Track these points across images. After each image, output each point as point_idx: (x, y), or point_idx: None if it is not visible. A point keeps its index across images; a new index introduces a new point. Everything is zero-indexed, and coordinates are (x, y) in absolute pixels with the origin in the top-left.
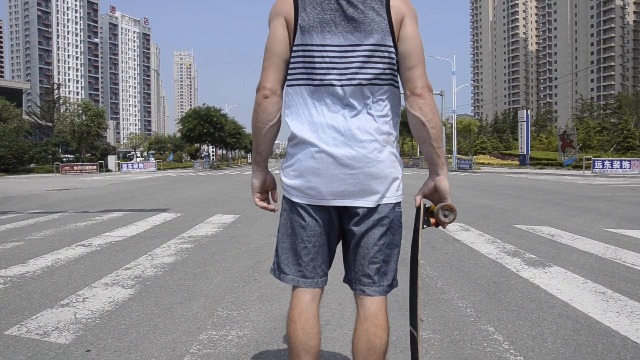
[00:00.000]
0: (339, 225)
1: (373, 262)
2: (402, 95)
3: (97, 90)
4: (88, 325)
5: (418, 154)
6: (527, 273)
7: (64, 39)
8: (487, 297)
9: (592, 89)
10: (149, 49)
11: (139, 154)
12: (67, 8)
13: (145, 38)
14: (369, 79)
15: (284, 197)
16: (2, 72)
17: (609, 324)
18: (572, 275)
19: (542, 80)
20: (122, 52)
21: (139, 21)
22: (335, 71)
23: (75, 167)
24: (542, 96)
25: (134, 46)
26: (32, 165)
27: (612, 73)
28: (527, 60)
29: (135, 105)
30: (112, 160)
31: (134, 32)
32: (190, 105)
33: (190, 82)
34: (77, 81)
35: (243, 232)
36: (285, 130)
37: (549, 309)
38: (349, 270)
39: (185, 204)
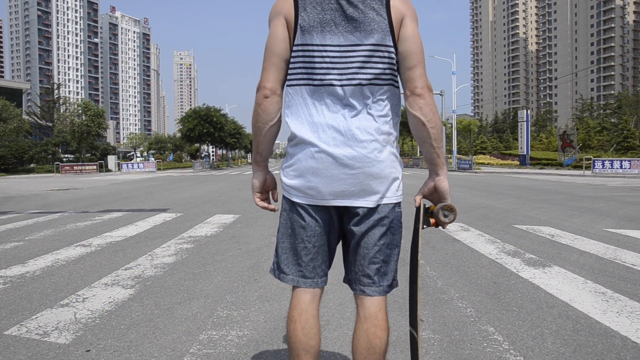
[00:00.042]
0: (339, 225)
1: (373, 262)
2: (402, 95)
3: (97, 90)
4: (88, 325)
5: (418, 154)
6: (527, 273)
7: (64, 39)
8: (487, 297)
9: (592, 89)
10: (149, 49)
11: (139, 154)
12: (67, 8)
13: (145, 38)
14: (369, 79)
15: (284, 197)
16: (2, 72)
17: (609, 324)
18: (572, 276)
19: (542, 80)
20: (122, 52)
21: (139, 21)
22: (336, 71)
23: (75, 167)
24: (542, 96)
25: (134, 46)
26: (32, 165)
27: (612, 73)
28: (527, 60)
29: (135, 105)
30: (112, 160)
31: (134, 32)
32: (190, 105)
33: (190, 82)
34: (77, 81)
35: (243, 232)
36: (285, 130)
37: (549, 309)
38: (349, 270)
39: (185, 204)
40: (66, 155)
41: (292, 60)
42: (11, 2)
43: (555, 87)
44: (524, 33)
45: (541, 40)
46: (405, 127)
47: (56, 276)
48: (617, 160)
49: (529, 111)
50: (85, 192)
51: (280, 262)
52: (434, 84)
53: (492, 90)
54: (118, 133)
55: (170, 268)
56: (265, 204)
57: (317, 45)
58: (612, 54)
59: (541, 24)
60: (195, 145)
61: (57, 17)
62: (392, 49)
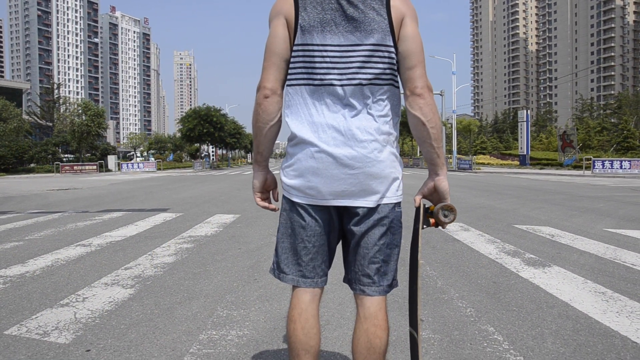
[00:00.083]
0: (339, 225)
1: (373, 262)
2: (402, 95)
3: (97, 90)
4: (88, 325)
5: (418, 154)
6: (527, 273)
7: (64, 39)
8: (487, 297)
9: (592, 89)
10: (149, 48)
11: (139, 154)
12: (67, 8)
13: (145, 38)
14: (369, 79)
15: (284, 197)
16: (2, 72)
17: (608, 324)
18: (572, 275)
19: (542, 80)
20: (122, 52)
21: (139, 21)
22: (336, 71)
23: (75, 167)
24: (542, 96)
25: (134, 46)
26: (32, 165)
27: (612, 73)
28: (527, 60)
29: (135, 105)
30: (112, 160)
31: (134, 32)
32: (190, 105)
33: (190, 82)
34: (77, 81)
35: (243, 232)
36: (285, 130)
37: (548, 309)
38: (349, 270)
39: (185, 204)
40: (66, 155)
41: (292, 60)
42: (11, 2)
43: (555, 87)
44: (524, 33)
45: (541, 40)
46: (405, 127)
47: (56, 276)
48: (617, 161)
49: (529, 111)
50: (85, 192)
51: (280, 262)
52: (434, 84)
53: (492, 90)
54: (118, 133)
55: (170, 268)
56: (266, 204)
57: (317, 45)
58: (612, 54)
59: (541, 24)
60: (195, 145)
61: (57, 17)
62: (392, 49)
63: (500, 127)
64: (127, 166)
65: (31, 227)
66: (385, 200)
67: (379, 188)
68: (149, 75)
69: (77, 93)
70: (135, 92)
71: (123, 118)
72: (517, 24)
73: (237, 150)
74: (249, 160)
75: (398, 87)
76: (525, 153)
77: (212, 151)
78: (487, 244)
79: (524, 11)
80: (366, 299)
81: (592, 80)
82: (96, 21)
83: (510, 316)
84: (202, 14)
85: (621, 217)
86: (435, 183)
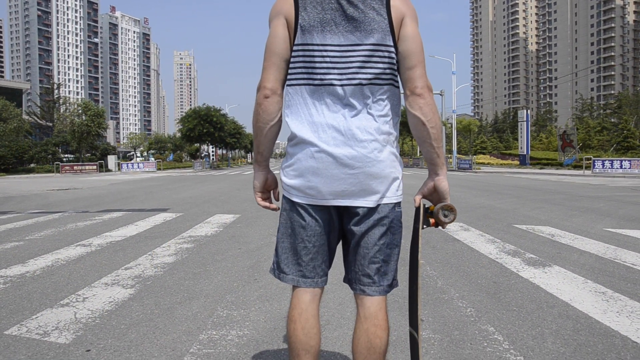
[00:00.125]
0: (339, 225)
1: (373, 262)
2: (402, 95)
3: (97, 90)
4: (88, 325)
5: (418, 154)
6: (527, 273)
7: (64, 39)
8: (487, 297)
9: (592, 89)
10: (149, 48)
11: (139, 154)
12: (67, 8)
13: (145, 38)
14: (369, 79)
15: (284, 197)
16: (2, 72)
17: (609, 324)
18: (572, 275)
19: (542, 80)
20: (122, 52)
21: (139, 21)
22: (336, 71)
23: (75, 167)
24: (542, 96)
25: (134, 46)
26: (32, 165)
27: (612, 73)
28: (527, 60)
29: (135, 105)
30: (112, 160)
31: (134, 32)
32: (190, 105)
33: (190, 82)
34: (77, 81)
35: (243, 232)
36: (285, 130)
37: (549, 309)
38: (349, 270)
39: (185, 204)
40: (66, 155)
41: (292, 60)
42: (11, 2)
43: (555, 87)
44: (524, 33)
45: (541, 40)
46: (405, 127)
47: (56, 276)
48: (617, 160)
49: (529, 111)
50: (85, 192)
51: (280, 262)
52: (434, 84)
53: (492, 90)
54: (118, 133)
55: (170, 268)
56: (267, 204)
57: (318, 45)
58: (612, 54)
59: (541, 24)
60: (195, 145)
61: (57, 17)
62: (392, 49)
63: (500, 126)
64: (127, 166)
65: (31, 227)
66: (385, 200)
67: (379, 188)
68: (149, 75)
69: (77, 93)
70: (135, 92)
71: (123, 118)
72: (517, 24)
73: (237, 150)
74: (249, 160)
75: (398, 87)
76: (525, 153)
77: (212, 151)
78: (487, 243)
79: (524, 11)
80: (366, 298)
81: (592, 80)
82: (96, 21)
83: (510, 316)
84: (202, 14)
85: (621, 217)
86: (435, 183)
